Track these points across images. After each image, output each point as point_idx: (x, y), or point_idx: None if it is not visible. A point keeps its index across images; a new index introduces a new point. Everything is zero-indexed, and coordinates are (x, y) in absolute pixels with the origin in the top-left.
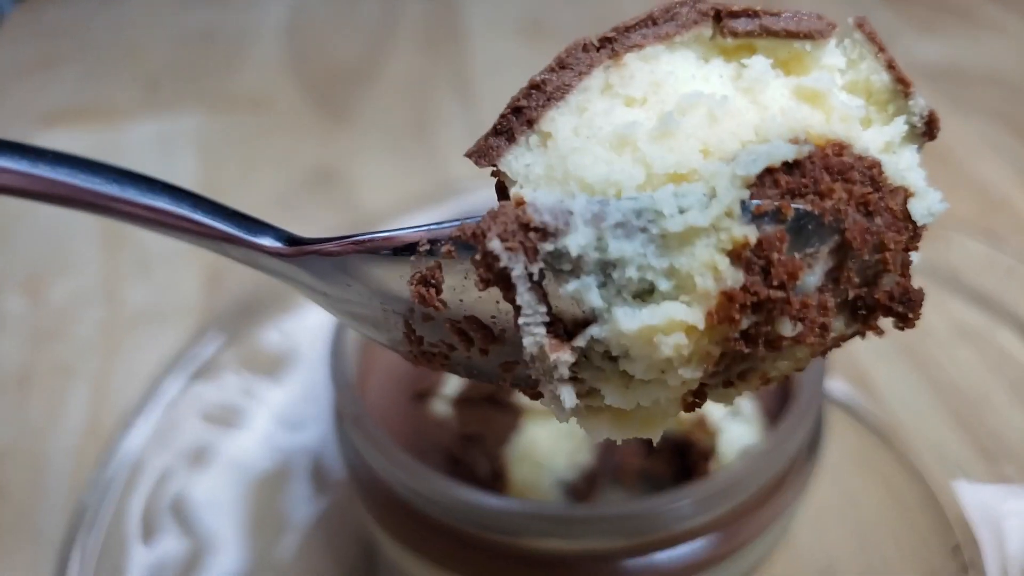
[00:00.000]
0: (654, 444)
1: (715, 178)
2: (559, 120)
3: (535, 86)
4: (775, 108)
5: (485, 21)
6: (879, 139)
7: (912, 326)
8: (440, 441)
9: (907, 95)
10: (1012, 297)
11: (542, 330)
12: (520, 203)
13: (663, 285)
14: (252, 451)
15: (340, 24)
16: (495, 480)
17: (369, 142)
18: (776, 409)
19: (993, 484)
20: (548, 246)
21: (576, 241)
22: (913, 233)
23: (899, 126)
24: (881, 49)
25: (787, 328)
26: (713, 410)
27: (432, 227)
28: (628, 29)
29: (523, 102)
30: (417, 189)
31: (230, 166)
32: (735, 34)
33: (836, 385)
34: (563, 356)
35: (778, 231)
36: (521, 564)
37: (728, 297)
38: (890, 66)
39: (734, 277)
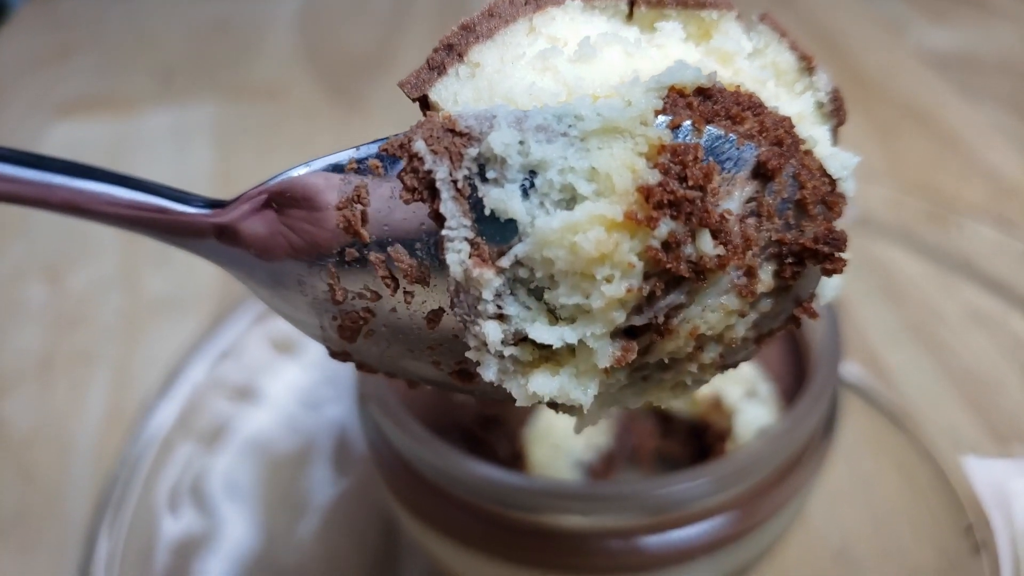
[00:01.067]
0: (587, 422)
1: (631, 92)
2: (486, 52)
3: (465, 27)
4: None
5: None
6: (788, 111)
7: (839, 271)
8: (461, 422)
9: (811, 71)
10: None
11: (466, 247)
12: (448, 117)
13: (584, 188)
14: (274, 431)
15: (353, 13)
16: (515, 460)
17: (383, 130)
18: (792, 391)
19: (1005, 466)
20: (473, 151)
21: (499, 139)
22: (832, 188)
23: (807, 101)
24: (783, 33)
25: (708, 244)
26: (729, 392)
27: (359, 147)
28: None
29: (454, 39)
30: None
31: (245, 156)
32: (648, 3)
33: (850, 369)
34: (486, 274)
35: (693, 142)
36: (541, 541)
37: (645, 193)
38: (793, 47)
39: (651, 175)
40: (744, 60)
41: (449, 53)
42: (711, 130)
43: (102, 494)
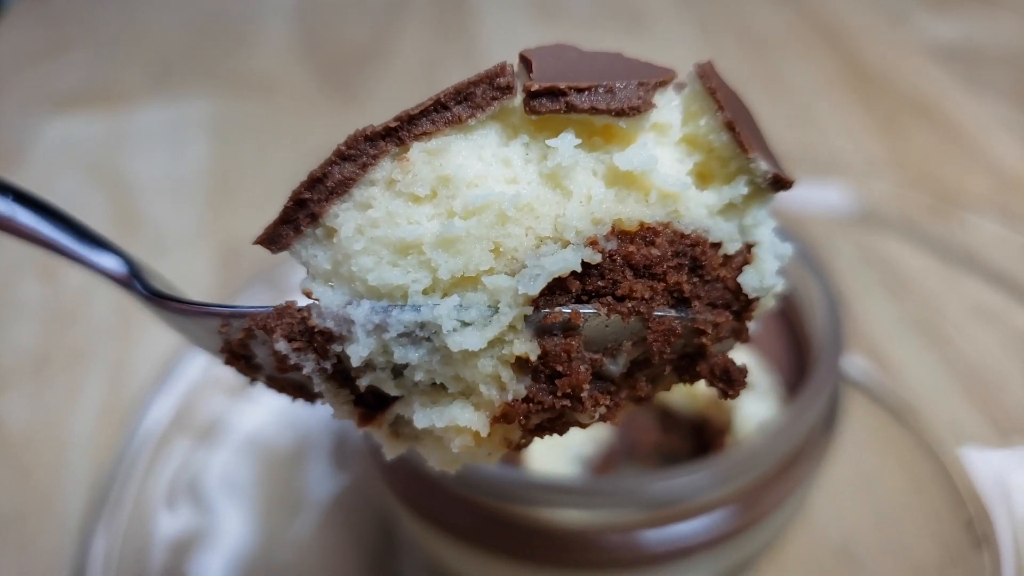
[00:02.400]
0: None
1: (499, 292)
2: (343, 216)
3: (316, 179)
4: (581, 194)
5: (494, 1)
6: (716, 201)
7: (735, 396)
8: None
9: (749, 159)
10: None
11: (349, 407)
12: (308, 294)
13: (451, 387)
14: (271, 428)
15: (349, 6)
16: (514, 454)
17: (378, 122)
18: (793, 384)
19: (1006, 461)
20: (336, 347)
21: (357, 352)
22: (745, 305)
23: (739, 188)
24: (720, 107)
25: (585, 419)
26: None
27: (234, 308)
28: (414, 117)
29: (305, 195)
30: None
31: (241, 149)
32: (537, 113)
33: (853, 364)
34: (372, 430)
35: (564, 344)
36: (539, 537)
37: (511, 407)
38: (729, 127)
39: (516, 389)
40: (656, 172)
41: (302, 211)
42: (588, 315)
43: (98, 491)
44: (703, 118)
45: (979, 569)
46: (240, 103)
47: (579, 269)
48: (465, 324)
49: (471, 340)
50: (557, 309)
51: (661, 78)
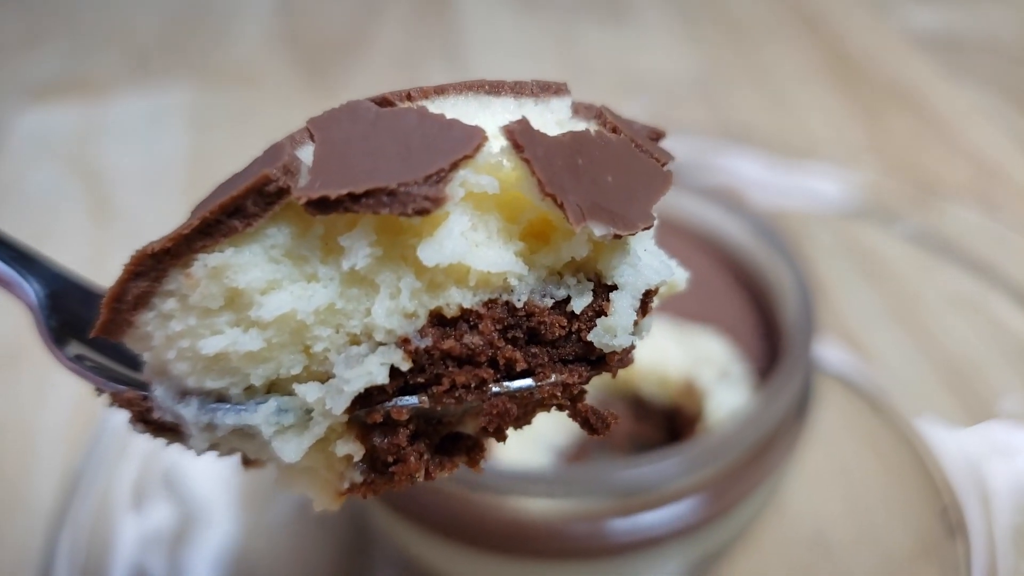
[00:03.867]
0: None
1: (310, 400)
2: (152, 326)
3: (116, 296)
4: (389, 288)
5: None
6: (555, 261)
7: (603, 435)
8: None
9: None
10: (1005, 265)
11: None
12: (147, 383)
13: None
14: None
15: None
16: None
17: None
18: (765, 371)
19: (980, 449)
20: (182, 436)
21: (196, 445)
22: (601, 357)
23: (580, 247)
24: (538, 180)
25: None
26: (702, 374)
27: (108, 381)
28: (187, 236)
29: (114, 305)
30: None
31: (220, 140)
32: (321, 213)
33: (829, 353)
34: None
35: (389, 441)
36: (508, 527)
37: (352, 489)
38: (552, 200)
39: (353, 477)
40: (473, 253)
41: (118, 316)
42: (412, 406)
43: (66, 487)
44: (523, 183)
45: (953, 557)
46: (218, 94)
47: (387, 380)
48: (282, 428)
49: (289, 449)
50: (377, 407)
51: (460, 155)
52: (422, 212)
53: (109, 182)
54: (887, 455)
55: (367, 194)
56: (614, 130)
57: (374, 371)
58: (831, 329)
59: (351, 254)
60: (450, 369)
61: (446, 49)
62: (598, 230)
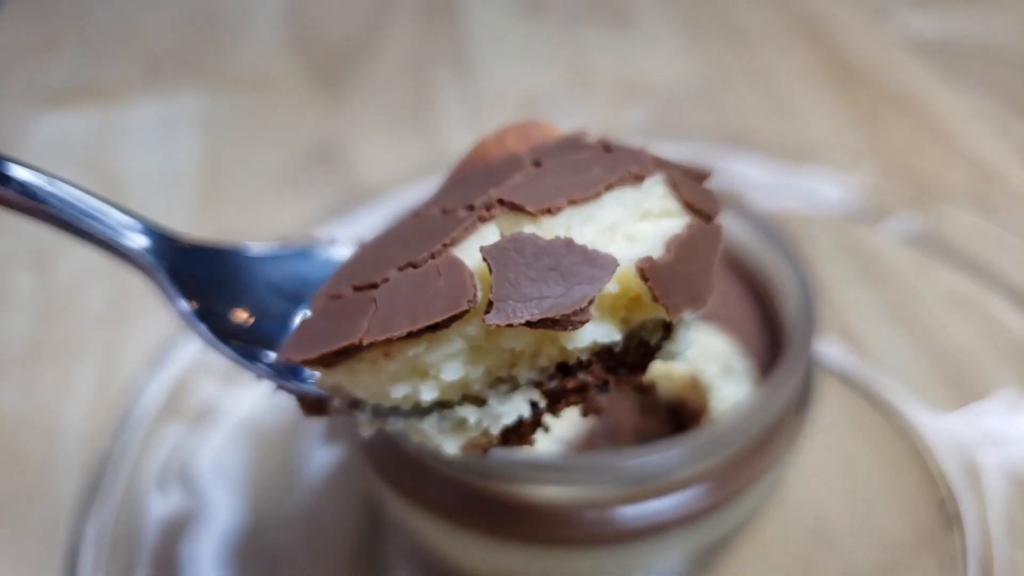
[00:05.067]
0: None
1: (473, 423)
2: (341, 372)
3: (321, 360)
4: (533, 357)
5: None
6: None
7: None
8: None
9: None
10: (1002, 265)
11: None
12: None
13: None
14: (261, 412)
15: (338, 2)
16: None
17: (368, 118)
18: (767, 368)
19: (975, 442)
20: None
21: (364, 431)
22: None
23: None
24: (665, 307)
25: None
26: (706, 369)
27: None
28: (394, 339)
29: (315, 362)
30: (416, 163)
31: (232, 145)
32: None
33: (829, 351)
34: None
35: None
36: (519, 514)
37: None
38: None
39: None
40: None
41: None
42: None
43: (90, 477)
44: (639, 288)
45: (950, 547)
46: (230, 99)
47: (529, 413)
48: (447, 430)
49: (450, 446)
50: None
51: (602, 284)
52: (573, 325)
53: (125, 186)
54: (886, 449)
55: (540, 322)
56: (689, 206)
57: (520, 408)
58: (831, 327)
59: (513, 340)
60: (569, 394)
61: (453, 54)
62: (686, 316)
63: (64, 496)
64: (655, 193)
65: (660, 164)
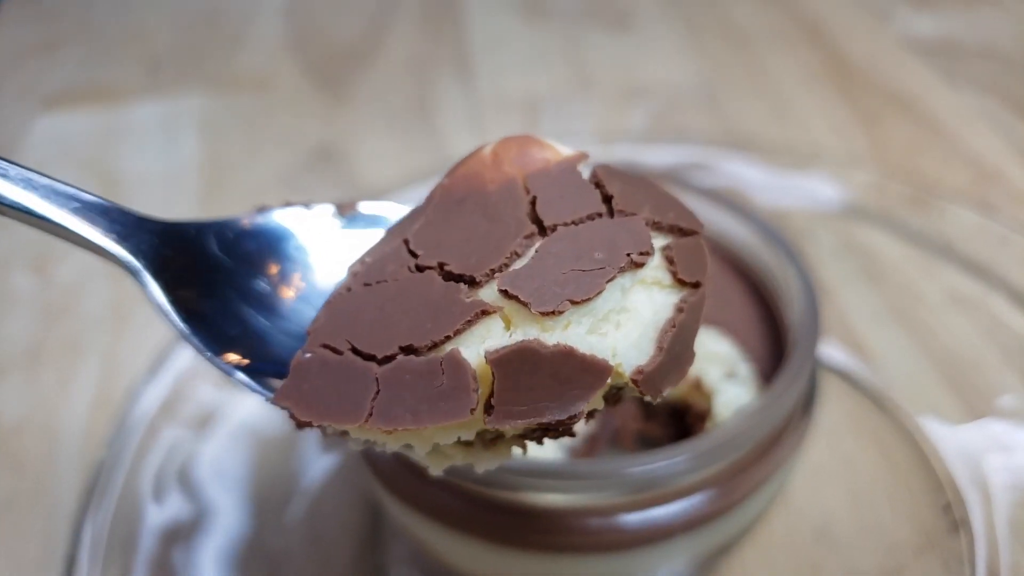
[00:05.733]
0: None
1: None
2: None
3: (316, 423)
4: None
5: (483, 0)
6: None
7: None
8: None
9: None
10: (1004, 265)
11: None
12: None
13: None
14: (261, 416)
15: (339, 4)
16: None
17: (370, 120)
18: (772, 371)
19: (981, 445)
20: None
21: (355, 447)
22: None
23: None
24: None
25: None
26: (709, 373)
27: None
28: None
29: (312, 423)
30: (417, 165)
31: (233, 146)
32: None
33: (832, 352)
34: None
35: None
36: (521, 520)
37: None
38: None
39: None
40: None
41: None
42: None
43: (89, 481)
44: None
45: (956, 553)
46: (231, 100)
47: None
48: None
49: (436, 468)
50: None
51: (597, 388)
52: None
53: (126, 187)
54: (891, 451)
55: (536, 427)
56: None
57: (505, 456)
58: (834, 328)
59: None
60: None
61: (454, 57)
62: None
63: (64, 499)
64: (650, 264)
65: (658, 227)
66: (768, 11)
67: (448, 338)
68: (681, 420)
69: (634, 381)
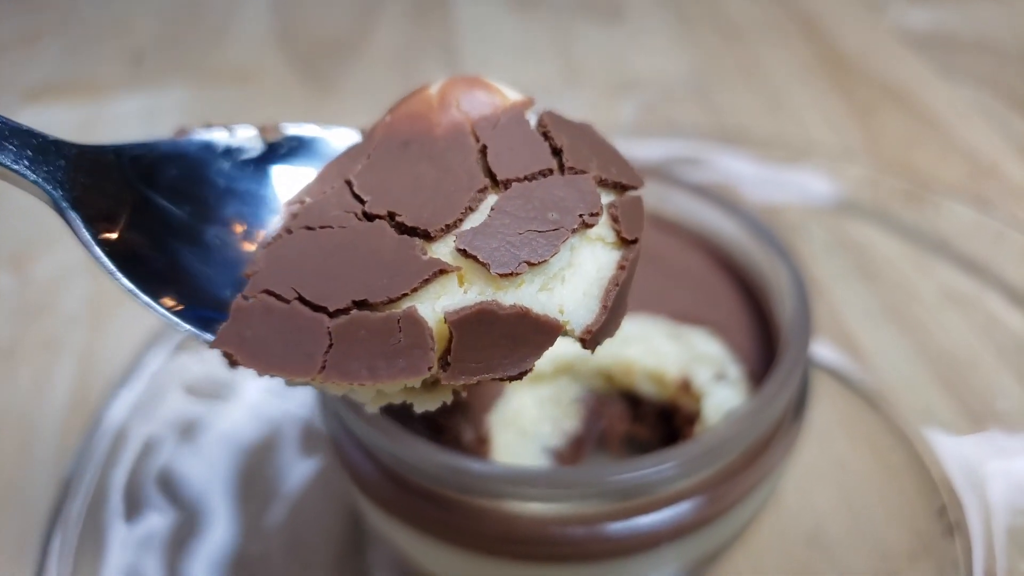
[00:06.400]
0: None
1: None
2: None
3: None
4: None
5: None
6: None
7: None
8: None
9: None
10: (1000, 262)
11: None
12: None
13: None
14: (240, 421)
15: None
16: (479, 446)
17: (356, 113)
18: (762, 373)
19: (978, 447)
20: None
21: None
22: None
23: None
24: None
25: None
26: (698, 374)
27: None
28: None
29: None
30: None
31: None
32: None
33: (824, 350)
34: None
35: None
36: (503, 529)
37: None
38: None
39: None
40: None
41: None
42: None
43: (60, 486)
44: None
45: (951, 556)
46: (215, 93)
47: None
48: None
49: (369, 408)
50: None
51: (539, 355)
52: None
53: None
54: (884, 453)
55: (489, 381)
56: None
57: (446, 397)
58: (826, 326)
59: None
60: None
61: (443, 48)
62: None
63: (37, 504)
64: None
65: (603, 183)
66: (761, 3)
67: (405, 295)
68: (669, 422)
69: (581, 339)
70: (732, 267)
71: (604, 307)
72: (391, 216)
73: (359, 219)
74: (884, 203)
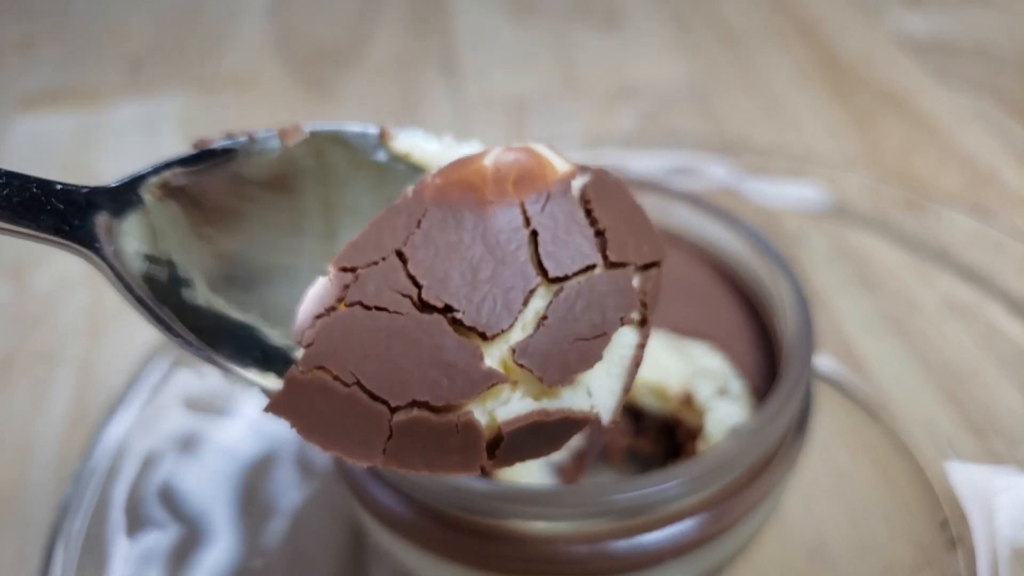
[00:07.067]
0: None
1: None
2: None
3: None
4: None
5: None
6: None
7: None
8: None
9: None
10: (1001, 272)
11: None
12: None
13: None
14: (239, 436)
15: (324, 2)
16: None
17: (354, 120)
18: (764, 387)
19: (981, 459)
20: None
21: None
22: None
23: None
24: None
25: None
26: (700, 389)
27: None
28: None
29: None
30: None
31: None
32: None
33: (824, 361)
34: None
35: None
36: (506, 547)
37: None
38: None
39: None
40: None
41: None
42: None
43: (61, 502)
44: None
45: (953, 570)
46: (214, 100)
47: None
48: None
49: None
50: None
51: (570, 437)
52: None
53: None
54: (886, 465)
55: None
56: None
57: None
58: (827, 337)
59: None
60: None
61: (441, 56)
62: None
63: (36, 518)
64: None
65: (637, 268)
66: (759, 8)
67: (462, 402)
68: (671, 436)
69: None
70: (733, 280)
71: (625, 390)
72: (448, 310)
73: (415, 304)
74: (884, 211)
